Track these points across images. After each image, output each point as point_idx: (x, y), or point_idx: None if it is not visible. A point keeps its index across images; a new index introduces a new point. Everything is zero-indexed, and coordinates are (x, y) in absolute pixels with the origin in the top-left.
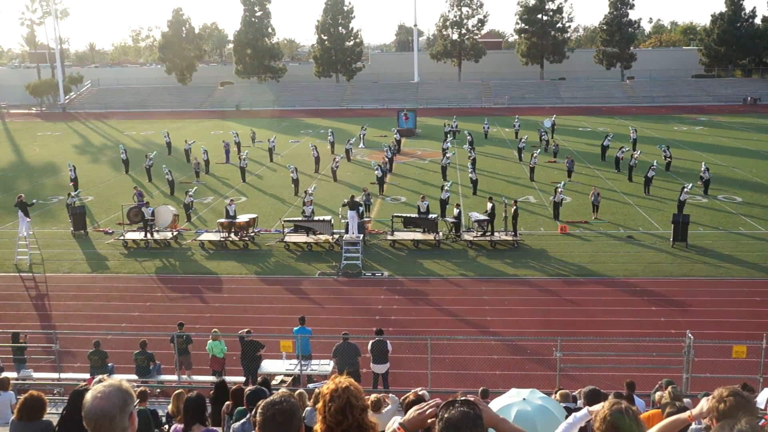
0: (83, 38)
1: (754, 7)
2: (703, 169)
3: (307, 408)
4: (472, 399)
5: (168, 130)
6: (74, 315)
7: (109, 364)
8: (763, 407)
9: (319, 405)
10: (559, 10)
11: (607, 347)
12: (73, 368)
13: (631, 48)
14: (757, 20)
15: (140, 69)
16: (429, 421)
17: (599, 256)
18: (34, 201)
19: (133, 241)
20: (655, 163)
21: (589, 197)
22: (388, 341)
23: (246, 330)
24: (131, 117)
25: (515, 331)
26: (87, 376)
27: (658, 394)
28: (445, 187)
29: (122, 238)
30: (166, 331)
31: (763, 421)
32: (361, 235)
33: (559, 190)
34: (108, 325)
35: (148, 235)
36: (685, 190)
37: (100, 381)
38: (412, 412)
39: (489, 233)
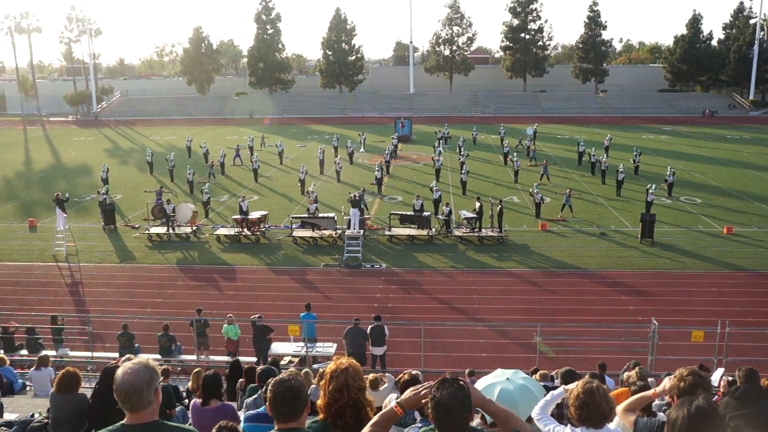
0: (114, 54)
1: (711, 31)
2: (668, 172)
3: (312, 386)
4: (461, 380)
5: (192, 136)
6: (105, 301)
7: (136, 345)
8: (716, 385)
9: (321, 383)
10: (540, 30)
11: (581, 332)
12: (104, 348)
13: (604, 64)
14: (714, 42)
15: (164, 81)
16: (423, 401)
17: (575, 250)
18: (68, 196)
19: (157, 235)
20: (621, 167)
21: (563, 198)
22: (385, 326)
23: (257, 315)
24: (156, 124)
25: (500, 317)
26: (116, 355)
27: (626, 374)
28: (433, 188)
29: (147, 232)
30: (186, 315)
31: (716, 397)
32: (362, 231)
33: (535, 191)
34: (135, 310)
35: (170, 230)
36: (650, 191)
37: (128, 359)
38: (408, 392)
39: (477, 229)
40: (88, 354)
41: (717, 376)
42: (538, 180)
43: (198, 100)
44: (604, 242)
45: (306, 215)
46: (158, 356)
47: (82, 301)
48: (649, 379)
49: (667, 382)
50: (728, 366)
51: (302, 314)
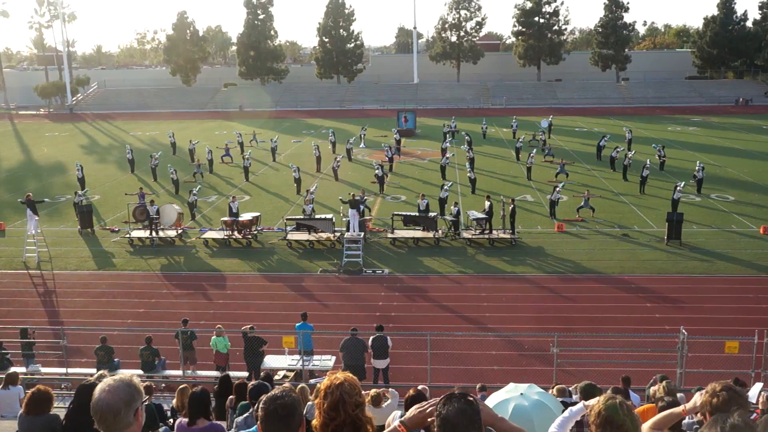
0: (90, 41)
1: (746, 11)
2: (697, 167)
3: (309, 403)
4: (470, 396)
5: (173, 131)
6: (81, 311)
7: (115, 360)
8: (754, 401)
9: (317, 400)
10: (556, 13)
11: (602, 343)
12: (80, 363)
13: (626, 50)
14: (749, 23)
15: (145, 71)
16: (429, 420)
17: (595, 253)
18: (45, 200)
19: (139, 238)
20: (647, 162)
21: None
22: (388, 337)
23: (249, 326)
24: (136, 118)
25: (513, 327)
26: (94, 371)
27: (652, 388)
28: (445, 187)
29: (128, 236)
30: (171, 327)
31: (754, 415)
32: (362, 233)
33: (558, 189)
34: (114, 321)
35: (153, 233)
36: (678, 188)
37: (101, 376)
38: (413, 410)
39: (487, 231)
40: (62, 370)
41: (755, 392)
42: (556, 178)
43: (183, 92)
44: (627, 244)
45: (302, 217)
46: (140, 372)
47: (55, 312)
48: (678, 395)
49: (698, 398)
50: (767, 380)
51: (298, 324)
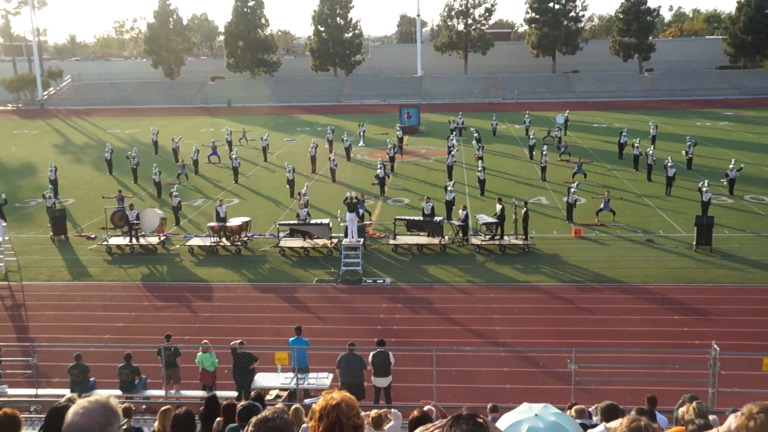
0: (63, 29)
1: None
2: (731, 166)
3: (303, 425)
4: (480, 418)
5: (158, 129)
6: (53, 326)
7: (91, 379)
8: None
9: (312, 423)
10: None
11: (625, 359)
12: (52, 384)
13: (650, 38)
14: None
15: (124, 63)
16: None
17: (617, 260)
18: (4, 197)
19: (118, 246)
20: (669, 160)
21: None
22: (390, 353)
23: (238, 341)
24: (114, 114)
25: (526, 341)
26: (67, 392)
27: (681, 410)
28: (449, 188)
29: (106, 243)
30: (152, 342)
31: None
32: (362, 240)
33: (572, 190)
34: (90, 336)
35: (134, 240)
36: (704, 189)
37: (70, 400)
38: None
39: (498, 237)
40: (32, 392)
41: None
42: (573, 178)
43: (165, 86)
44: (652, 250)
45: (296, 222)
46: (118, 392)
47: (24, 327)
48: (711, 417)
49: (732, 421)
50: None
51: (291, 339)
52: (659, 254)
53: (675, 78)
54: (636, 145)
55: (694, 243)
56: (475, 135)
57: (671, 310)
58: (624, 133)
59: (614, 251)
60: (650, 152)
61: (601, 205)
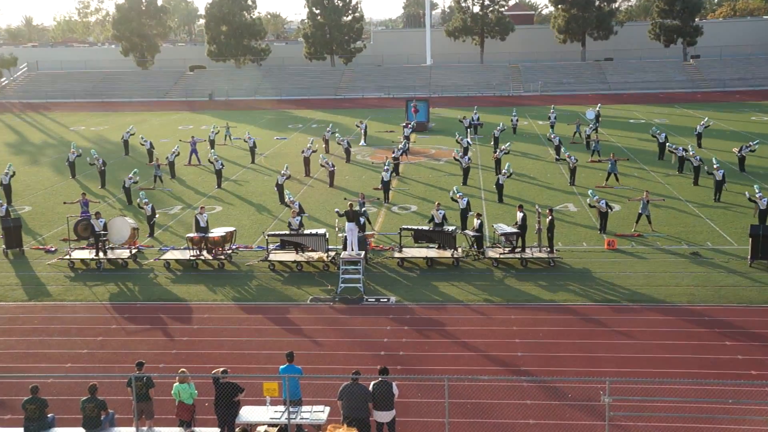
0: (17, 11)
1: None
2: None
3: None
4: None
5: (134, 126)
6: (5, 354)
7: (50, 415)
8: None
9: None
10: None
11: (667, 391)
12: (3, 421)
13: (696, 19)
14: None
15: (89, 50)
16: None
17: (657, 277)
18: None
19: (82, 261)
20: (714, 161)
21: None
22: (394, 383)
23: (221, 369)
24: (78, 109)
25: (552, 369)
26: (20, 430)
27: None
28: (457, 194)
29: (68, 257)
30: (121, 372)
31: None
32: (363, 253)
33: (594, 198)
34: (49, 365)
35: (101, 254)
36: (758, 195)
37: None
38: None
39: (519, 249)
40: None
41: None
42: (607, 182)
43: (137, 77)
44: (698, 266)
45: (287, 232)
46: (82, 430)
47: None
48: None
49: None
50: None
51: (282, 367)
52: (707, 270)
53: (725, 66)
54: (659, 135)
55: (749, 257)
56: (494, 133)
57: (722, 334)
58: (657, 131)
59: (654, 266)
60: (692, 152)
61: (640, 208)
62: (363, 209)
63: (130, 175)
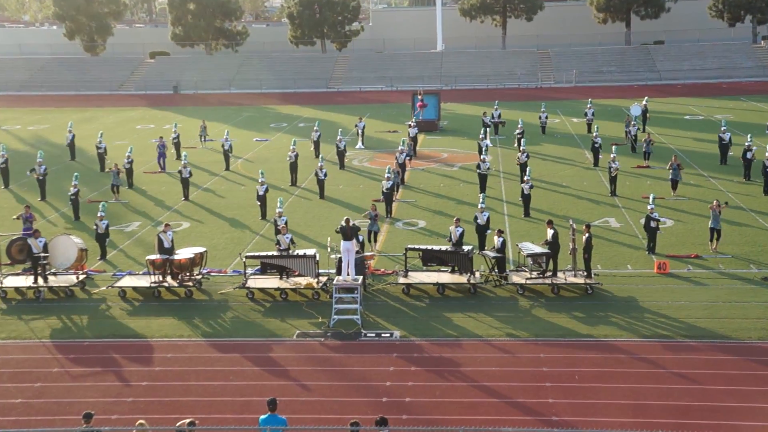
0: None
1: None
2: None
3: None
4: None
5: (72, 122)
6: None
7: None
8: None
9: None
10: None
11: None
12: None
13: None
14: None
15: (26, 31)
16: None
17: (720, 307)
18: None
19: (17, 289)
20: None
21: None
22: None
23: (188, 420)
24: (12, 103)
25: (591, 420)
26: None
27: None
28: (479, 205)
29: (0, 285)
30: (65, 425)
31: None
32: (360, 278)
33: (650, 207)
34: None
35: (40, 281)
36: None
37: None
38: None
39: (549, 273)
40: None
41: None
42: (674, 192)
43: (86, 65)
44: None
45: (270, 253)
46: None
47: None
48: None
49: None
50: None
51: (263, 417)
52: None
53: None
54: (750, 147)
55: None
56: (517, 134)
57: None
58: (723, 129)
59: (716, 294)
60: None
61: (711, 220)
62: (370, 226)
63: (75, 182)
